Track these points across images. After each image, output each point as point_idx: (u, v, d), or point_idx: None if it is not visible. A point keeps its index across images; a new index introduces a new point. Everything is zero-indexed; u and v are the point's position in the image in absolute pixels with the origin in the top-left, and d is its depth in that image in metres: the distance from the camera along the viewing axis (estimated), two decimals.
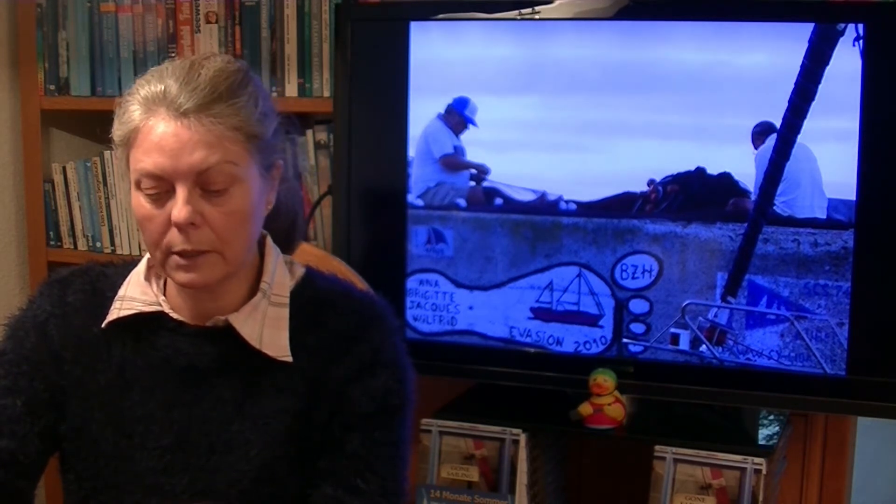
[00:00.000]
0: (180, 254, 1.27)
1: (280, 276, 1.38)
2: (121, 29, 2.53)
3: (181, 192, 1.24)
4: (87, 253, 2.60)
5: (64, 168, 2.63)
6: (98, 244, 2.62)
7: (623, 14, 2.00)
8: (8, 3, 2.62)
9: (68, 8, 2.57)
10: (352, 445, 1.34)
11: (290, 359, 1.34)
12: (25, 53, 2.61)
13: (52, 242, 2.67)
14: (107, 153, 2.58)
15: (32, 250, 2.69)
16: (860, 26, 1.86)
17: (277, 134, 1.34)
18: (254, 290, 1.36)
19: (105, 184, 2.59)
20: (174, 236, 1.26)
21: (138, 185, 1.28)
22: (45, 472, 1.39)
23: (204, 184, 1.25)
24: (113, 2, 2.53)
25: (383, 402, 1.35)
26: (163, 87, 1.26)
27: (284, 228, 1.46)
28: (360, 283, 1.70)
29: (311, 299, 1.39)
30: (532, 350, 2.11)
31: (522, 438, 2.04)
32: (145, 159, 1.25)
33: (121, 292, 1.38)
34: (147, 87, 1.28)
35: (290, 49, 2.37)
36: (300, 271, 1.41)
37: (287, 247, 1.46)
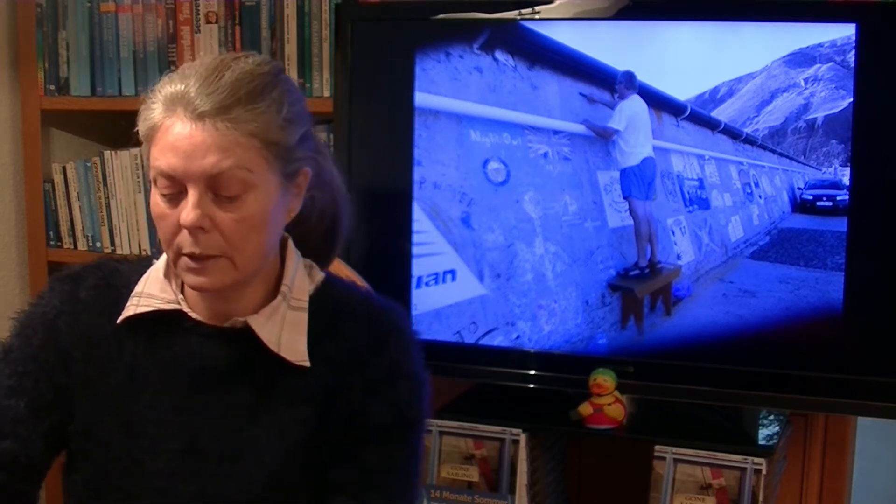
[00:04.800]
0: (190, 256, 1.25)
1: (300, 280, 1.36)
2: (121, 29, 2.53)
3: (192, 195, 1.23)
4: (87, 253, 2.60)
5: (64, 168, 2.63)
6: (98, 244, 2.62)
7: (623, 14, 2.01)
8: (8, 3, 2.62)
9: (68, 8, 2.56)
10: (366, 457, 1.32)
11: (307, 364, 1.31)
12: (25, 53, 2.61)
13: (52, 242, 2.67)
14: (107, 153, 2.58)
15: (32, 250, 2.69)
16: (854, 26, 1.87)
17: (306, 140, 1.31)
18: (273, 292, 1.34)
19: (105, 184, 2.59)
20: (184, 238, 1.25)
21: (155, 183, 1.26)
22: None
23: (216, 188, 1.23)
24: (113, 2, 2.53)
25: (400, 416, 1.34)
26: (184, 88, 1.24)
27: (319, 236, 1.43)
28: (362, 284, 1.70)
29: (329, 306, 1.36)
30: (532, 350, 2.11)
31: (522, 438, 2.04)
32: (160, 158, 1.24)
33: (138, 288, 1.36)
34: (170, 85, 1.25)
35: (290, 49, 2.37)
36: (319, 276, 1.39)
37: (323, 256, 1.43)
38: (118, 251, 2.59)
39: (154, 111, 1.25)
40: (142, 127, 1.27)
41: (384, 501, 1.32)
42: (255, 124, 1.23)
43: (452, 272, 2.14)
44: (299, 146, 1.29)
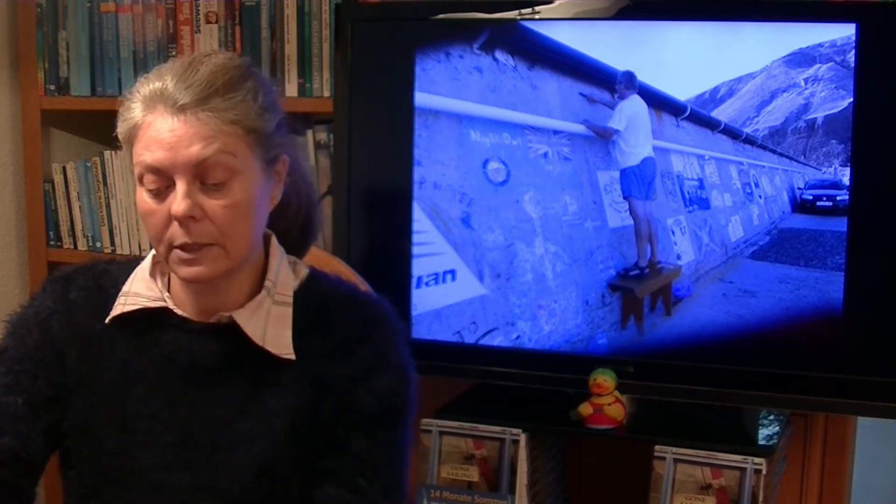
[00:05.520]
0: (182, 248, 1.28)
1: (284, 275, 1.39)
2: (121, 29, 2.53)
3: (180, 185, 1.25)
4: (87, 253, 2.60)
5: (64, 168, 2.63)
6: (98, 244, 2.62)
7: (623, 14, 2.01)
8: (8, 3, 2.62)
9: (68, 8, 2.57)
10: (355, 445, 1.34)
11: (292, 357, 1.34)
12: (25, 53, 2.61)
13: (52, 242, 2.67)
14: (107, 153, 2.58)
15: (32, 250, 2.69)
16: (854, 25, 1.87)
17: (281, 129, 1.34)
18: (258, 287, 1.36)
19: (105, 184, 2.59)
20: (175, 230, 1.27)
21: (141, 181, 1.29)
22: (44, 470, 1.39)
23: (203, 177, 1.26)
24: (113, 2, 2.53)
25: (387, 403, 1.36)
26: (161, 85, 1.28)
27: (297, 227, 1.47)
28: (361, 284, 1.70)
29: (315, 300, 1.39)
30: (532, 350, 2.11)
31: (522, 438, 2.04)
32: (145, 154, 1.27)
33: (125, 288, 1.38)
34: (147, 85, 1.29)
35: (290, 49, 2.37)
36: (304, 272, 1.42)
37: (301, 246, 1.47)
38: (118, 251, 2.59)
39: (134, 111, 1.29)
40: (122, 128, 1.31)
41: (373, 488, 1.34)
42: (234, 112, 1.27)
43: (452, 272, 2.14)
44: (277, 133, 1.33)
